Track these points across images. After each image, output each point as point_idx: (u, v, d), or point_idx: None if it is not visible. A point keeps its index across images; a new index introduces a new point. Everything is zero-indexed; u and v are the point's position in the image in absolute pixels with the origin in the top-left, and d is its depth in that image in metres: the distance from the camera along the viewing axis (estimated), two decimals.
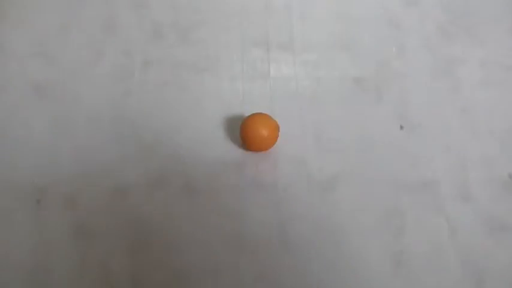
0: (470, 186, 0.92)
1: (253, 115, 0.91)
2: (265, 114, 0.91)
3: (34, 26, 1.12)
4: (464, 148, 0.97)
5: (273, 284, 0.82)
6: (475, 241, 0.87)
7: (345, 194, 0.91)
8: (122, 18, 1.13)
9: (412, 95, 1.03)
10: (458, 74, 1.06)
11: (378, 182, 0.92)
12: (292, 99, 1.02)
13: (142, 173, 0.92)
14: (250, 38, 1.10)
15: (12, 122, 0.99)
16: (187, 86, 1.03)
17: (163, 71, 1.05)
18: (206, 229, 0.87)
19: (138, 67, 1.06)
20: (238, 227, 0.87)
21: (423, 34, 1.12)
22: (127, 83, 1.03)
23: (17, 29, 1.13)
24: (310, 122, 0.99)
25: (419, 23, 1.14)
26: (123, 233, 0.87)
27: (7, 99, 1.02)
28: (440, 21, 1.14)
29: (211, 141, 0.96)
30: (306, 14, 1.15)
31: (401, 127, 0.98)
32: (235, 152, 0.95)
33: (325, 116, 1.00)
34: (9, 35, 1.11)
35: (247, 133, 0.90)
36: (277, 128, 0.91)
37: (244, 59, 1.07)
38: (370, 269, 0.84)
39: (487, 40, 1.12)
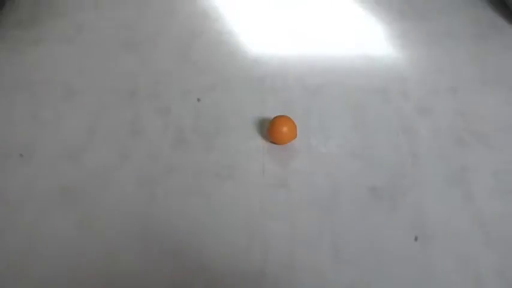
0: None
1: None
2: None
3: (63, 129, 1.19)
4: (479, 260, 0.98)
5: None
6: None
7: None
8: (146, 123, 1.19)
9: (426, 205, 1.05)
10: (471, 182, 1.08)
11: None
12: (308, 207, 1.05)
13: (167, 277, 0.94)
14: (270, 146, 1.15)
15: (39, 226, 1.03)
16: (208, 193, 1.07)
17: (186, 177, 1.09)
18: None
19: (161, 172, 1.10)
20: None
21: (437, 142, 1.16)
22: (151, 187, 1.07)
23: (46, 131, 1.19)
24: (327, 231, 1.02)
25: (433, 130, 1.18)
26: None
27: (34, 204, 1.06)
28: (454, 129, 1.18)
29: (232, 248, 0.98)
30: (324, 123, 1.20)
31: (416, 238, 1.00)
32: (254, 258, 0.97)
33: (341, 225, 1.02)
34: (39, 138, 1.17)
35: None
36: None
37: (264, 168, 1.12)
38: None
39: (500, 148, 1.15)
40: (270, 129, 1.12)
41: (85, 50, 1.43)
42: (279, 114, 1.17)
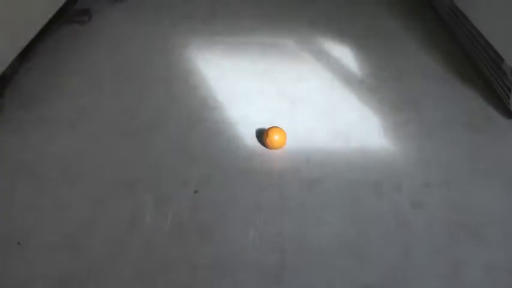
0: None
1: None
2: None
3: (61, 218, 1.20)
4: None
5: None
6: None
7: None
8: (144, 215, 1.21)
9: None
10: (464, 277, 1.08)
11: None
12: None
13: None
14: (266, 234, 1.17)
15: None
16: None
17: (185, 272, 1.09)
18: None
19: (159, 265, 1.10)
20: None
21: (430, 236, 1.17)
22: (149, 281, 1.07)
23: (45, 218, 1.20)
24: None
25: (426, 224, 1.19)
26: None
27: None
28: (447, 222, 1.20)
29: None
30: (320, 216, 1.22)
31: None
32: None
33: None
34: (38, 226, 1.18)
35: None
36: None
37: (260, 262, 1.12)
38: None
39: (493, 242, 1.16)
40: None
41: (86, 135, 1.46)
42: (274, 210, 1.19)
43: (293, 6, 2.16)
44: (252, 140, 1.42)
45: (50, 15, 1.85)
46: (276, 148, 1.40)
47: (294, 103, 1.57)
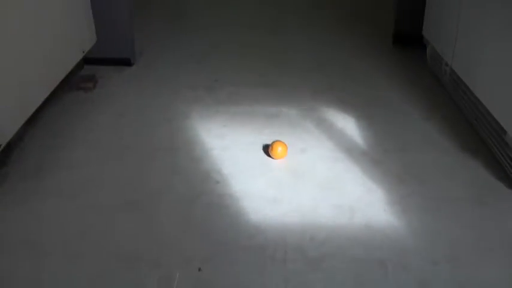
0: None
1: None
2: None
3: None
4: None
5: None
6: None
7: None
8: None
9: None
10: None
11: None
12: None
13: None
14: None
15: None
16: None
17: None
18: None
19: None
20: None
21: None
22: None
23: None
24: None
25: None
26: None
27: None
28: None
29: None
30: None
31: None
32: None
33: None
34: None
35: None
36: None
37: None
38: None
39: None
40: None
41: (89, 207, 1.45)
42: None
43: (296, 75, 2.19)
44: (255, 216, 1.41)
45: (57, 83, 1.87)
46: (279, 158, 1.67)
47: (297, 175, 1.57)
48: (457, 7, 1.80)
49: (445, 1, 1.94)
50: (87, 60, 2.16)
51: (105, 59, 2.30)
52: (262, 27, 2.78)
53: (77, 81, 2.15)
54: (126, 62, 2.29)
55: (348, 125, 1.81)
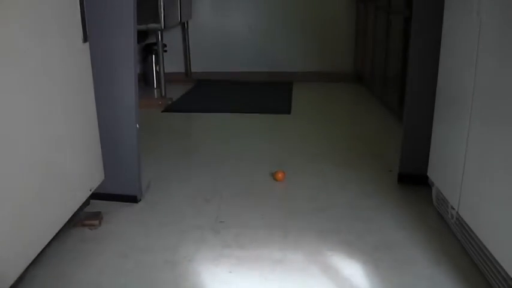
0: None
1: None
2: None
3: None
4: None
5: None
6: None
7: None
8: None
9: None
10: None
11: None
12: None
13: None
14: None
15: None
16: None
17: None
18: None
19: None
20: None
21: None
22: None
23: None
24: None
25: None
26: None
27: None
28: None
29: None
30: None
31: None
32: None
33: None
34: None
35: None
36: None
37: None
38: None
39: None
40: None
41: None
42: None
43: (301, 218, 2.18)
44: None
45: (63, 223, 1.87)
46: (280, 180, 2.59)
47: None
48: (463, 151, 1.82)
49: (450, 145, 1.98)
50: (93, 195, 2.17)
51: (111, 195, 2.32)
52: (268, 162, 2.82)
53: (82, 218, 2.15)
54: (133, 199, 2.30)
55: (354, 271, 1.78)
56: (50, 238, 1.77)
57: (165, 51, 4.89)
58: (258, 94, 4.60)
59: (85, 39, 1.99)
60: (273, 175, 2.62)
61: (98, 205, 2.26)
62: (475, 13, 1.72)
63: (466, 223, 1.83)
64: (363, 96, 4.63)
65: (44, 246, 1.73)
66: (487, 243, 1.66)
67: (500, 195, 1.58)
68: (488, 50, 1.65)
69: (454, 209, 1.94)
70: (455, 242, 1.94)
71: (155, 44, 4.51)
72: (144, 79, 5.05)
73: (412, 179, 2.47)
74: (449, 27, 2.03)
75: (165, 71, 4.41)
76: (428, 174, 2.27)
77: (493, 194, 1.62)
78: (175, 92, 4.58)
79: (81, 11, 1.94)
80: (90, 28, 2.01)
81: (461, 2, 1.87)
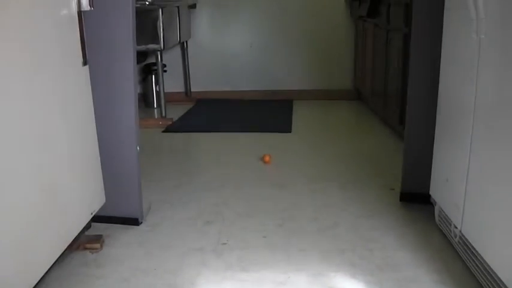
0: None
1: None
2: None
3: None
4: None
5: None
6: None
7: None
8: None
9: None
10: None
11: None
12: None
13: None
14: None
15: None
16: None
17: None
18: None
19: None
20: None
21: None
22: None
23: None
24: None
25: None
26: None
27: None
28: None
29: None
30: None
31: None
32: None
33: None
34: None
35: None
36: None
37: None
38: None
39: None
40: None
41: None
42: None
43: (304, 238, 2.17)
44: None
45: (64, 248, 1.86)
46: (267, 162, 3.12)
47: None
48: (465, 169, 1.82)
49: (452, 163, 1.98)
50: (94, 218, 2.16)
51: (112, 218, 2.31)
52: (269, 182, 2.81)
53: (83, 241, 2.13)
54: (134, 222, 2.29)
55: None
56: (51, 262, 1.76)
57: (165, 71, 4.92)
58: (259, 113, 4.60)
59: (85, 63, 1.99)
60: (262, 159, 3.22)
61: (99, 228, 2.25)
62: (475, 33, 1.72)
63: (469, 242, 1.81)
64: (363, 113, 4.63)
65: (46, 270, 1.72)
66: (491, 262, 1.64)
67: (504, 214, 1.57)
68: (489, 68, 1.66)
69: (457, 227, 1.93)
70: (459, 261, 1.92)
71: (155, 64, 4.53)
72: (144, 99, 5.05)
73: (414, 198, 2.45)
74: (449, 45, 2.03)
75: (165, 90, 4.42)
76: (430, 192, 2.26)
77: (497, 212, 1.62)
78: (176, 112, 4.58)
79: (80, 35, 1.94)
80: (90, 50, 2.01)
81: (460, 22, 1.88)
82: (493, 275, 1.63)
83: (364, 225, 2.27)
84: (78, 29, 1.93)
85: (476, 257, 1.77)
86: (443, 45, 2.10)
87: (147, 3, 3.76)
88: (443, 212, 2.10)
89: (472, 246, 1.79)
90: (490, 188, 1.66)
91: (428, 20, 2.24)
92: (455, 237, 1.96)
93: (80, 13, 1.94)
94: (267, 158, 3.22)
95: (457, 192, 1.91)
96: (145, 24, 3.92)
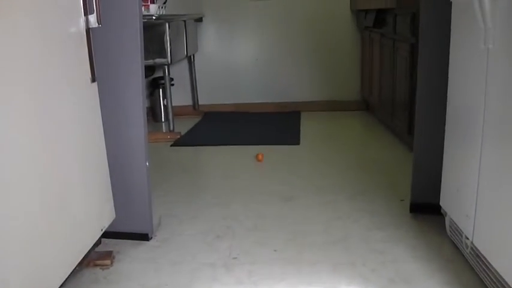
0: None
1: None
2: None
3: None
4: None
5: None
6: None
7: None
8: None
9: None
10: None
11: None
12: None
13: None
14: None
15: None
16: None
17: None
18: None
19: None
20: None
21: None
22: None
23: None
24: None
25: None
26: None
27: None
28: None
29: None
30: None
31: None
32: None
33: None
34: None
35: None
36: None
37: None
38: None
39: None
40: None
41: None
42: None
43: (315, 250, 2.16)
44: None
45: (74, 265, 1.86)
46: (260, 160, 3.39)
47: None
48: (475, 179, 1.81)
49: (462, 173, 1.97)
50: (104, 234, 2.16)
51: (122, 233, 2.31)
52: (279, 195, 2.80)
53: (94, 257, 2.13)
54: (144, 237, 2.29)
55: None
56: (63, 280, 1.76)
57: (172, 84, 4.94)
58: (267, 125, 4.60)
59: (93, 79, 2.00)
60: (256, 157, 3.55)
61: (109, 244, 2.25)
62: (482, 42, 1.72)
63: (481, 253, 1.80)
64: (371, 124, 4.62)
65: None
66: (504, 274, 1.63)
67: None
68: (498, 78, 1.65)
69: (468, 238, 1.92)
70: (471, 272, 1.91)
71: (162, 78, 4.55)
72: (152, 113, 5.07)
73: (425, 209, 2.44)
74: (457, 55, 2.03)
75: (173, 104, 4.43)
76: (440, 203, 2.25)
77: (509, 223, 1.60)
78: (184, 125, 4.59)
79: (89, 52, 1.96)
80: (98, 67, 2.03)
81: (468, 32, 1.87)
82: (506, 287, 1.61)
83: (375, 237, 2.26)
84: (87, 46, 1.94)
85: (488, 268, 1.76)
86: (451, 55, 2.09)
87: (154, 17, 3.78)
88: (454, 222, 2.08)
89: (484, 257, 1.78)
90: (502, 198, 1.65)
91: (436, 29, 2.23)
92: (467, 248, 1.95)
93: (88, 30, 1.95)
94: (259, 157, 3.54)
95: (468, 203, 1.89)
96: (152, 38, 3.94)
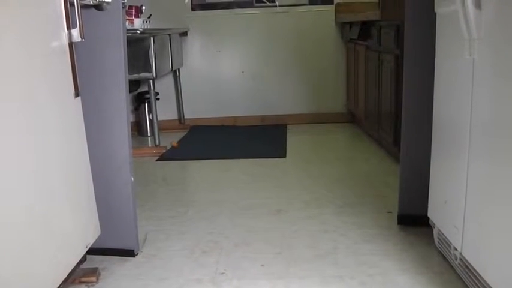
0: None
1: None
2: None
3: None
4: None
5: None
6: None
7: None
8: None
9: None
10: None
11: None
12: None
13: None
14: None
15: None
16: None
17: None
18: None
19: None
20: None
21: None
22: None
23: None
24: None
25: None
26: None
27: None
28: None
29: None
30: None
31: None
32: None
33: None
34: None
35: None
36: None
37: None
38: None
39: None
40: None
41: None
42: None
43: (303, 265, 2.14)
44: None
45: (60, 281, 1.82)
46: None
47: None
48: (463, 190, 1.80)
49: (449, 184, 1.96)
50: (89, 250, 2.13)
51: (108, 249, 2.27)
52: (266, 209, 2.78)
53: (79, 274, 2.09)
54: (130, 253, 2.26)
55: None
56: None
57: (158, 99, 4.91)
58: (253, 138, 4.59)
59: (77, 94, 1.97)
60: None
61: (94, 260, 2.21)
62: (468, 53, 1.72)
63: (470, 264, 1.79)
64: (356, 136, 4.63)
65: None
66: (494, 284, 1.62)
67: (504, 234, 1.54)
68: (483, 88, 1.65)
69: (457, 250, 1.91)
70: (461, 283, 1.90)
71: (147, 92, 4.52)
72: (138, 128, 5.04)
73: (413, 220, 2.43)
74: (442, 66, 2.04)
75: (159, 118, 4.41)
76: (428, 214, 2.24)
77: (497, 233, 1.59)
78: (169, 140, 4.57)
79: (72, 66, 1.93)
80: (81, 82, 2.00)
81: (453, 43, 1.88)
82: None
83: (363, 250, 2.25)
84: (70, 61, 1.92)
85: (478, 279, 1.75)
86: (436, 65, 2.10)
87: (138, 32, 3.76)
88: (443, 234, 2.07)
89: (474, 268, 1.77)
90: (490, 208, 1.64)
91: (420, 41, 2.24)
92: (456, 259, 1.94)
93: (71, 44, 1.92)
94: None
95: (456, 214, 1.89)
96: (137, 53, 3.92)
